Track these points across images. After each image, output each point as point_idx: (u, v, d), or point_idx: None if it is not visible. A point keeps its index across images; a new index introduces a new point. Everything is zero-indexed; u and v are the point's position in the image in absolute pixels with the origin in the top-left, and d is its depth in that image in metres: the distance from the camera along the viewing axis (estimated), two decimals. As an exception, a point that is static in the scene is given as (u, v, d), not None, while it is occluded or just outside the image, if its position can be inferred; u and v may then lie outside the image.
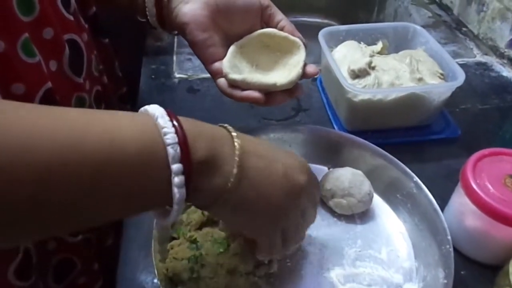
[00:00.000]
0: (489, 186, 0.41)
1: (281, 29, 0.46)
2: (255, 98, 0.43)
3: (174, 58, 0.75)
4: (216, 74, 0.45)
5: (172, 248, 0.42)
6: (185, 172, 0.27)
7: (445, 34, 0.82)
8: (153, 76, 0.70)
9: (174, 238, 0.43)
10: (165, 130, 0.27)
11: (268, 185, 0.33)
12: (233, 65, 0.44)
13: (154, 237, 0.41)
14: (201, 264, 0.40)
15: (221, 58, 0.44)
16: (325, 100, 0.64)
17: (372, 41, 0.64)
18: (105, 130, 0.26)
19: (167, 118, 0.28)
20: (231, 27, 0.45)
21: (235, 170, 0.30)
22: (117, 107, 0.60)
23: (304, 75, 0.44)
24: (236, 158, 0.30)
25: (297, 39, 0.45)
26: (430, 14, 0.88)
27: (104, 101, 0.53)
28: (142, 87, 0.68)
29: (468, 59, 0.76)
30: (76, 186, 0.25)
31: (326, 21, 1.09)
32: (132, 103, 0.67)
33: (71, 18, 0.44)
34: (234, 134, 0.32)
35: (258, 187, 0.32)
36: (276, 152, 0.35)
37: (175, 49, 0.76)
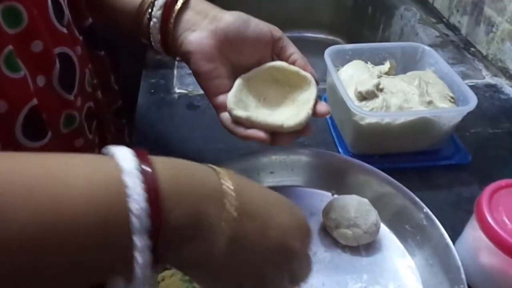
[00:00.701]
0: (507, 221, 0.38)
1: (293, 63, 0.43)
2: (260, 138, 0.40)
3: (175, 72, 0.72)
4: (219, 108, 0.42)
5: (163, 280, 0.39)
6: (153, 245, 0.23)
7: (452, 54, 0.80)
8: (152, 91, 0.68)
9: (165, 269, 0.40)
10: (129, 191, 0.22)
11: (259, 253, 0.28)
12: (239, 100, 0.41)
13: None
14: (195, 299, 0.37)
15: (227, 91, 0.41)
16: (329, 121, 0.62)
17: (379, 60, 0.62)
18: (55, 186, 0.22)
19: (137, 174, 0.23)
20: (239, 58, 0.42)
21: (223, 242, 0.26)
22: (111, 123, 0.58)
23: (314, 114, 0.42)
24: (226, 228, 0.26)
25: (308, 75, 0.43)
26: (438, 34, 0.86)
27: (96, 118, 0.50)
28: (140, 102, 0.66)
29: (477, 81, 0.73)
30: (15, 255, 0.21)
31: (331, 37, 1.08)
32: (128, 117, 0.64)
33: (64, 30, 0.41)
34: (226, 187, 0.27)
35: (247, 256, 0.28)
36: (274, 208, 0.30)
37: (176, 63, 0.74)
